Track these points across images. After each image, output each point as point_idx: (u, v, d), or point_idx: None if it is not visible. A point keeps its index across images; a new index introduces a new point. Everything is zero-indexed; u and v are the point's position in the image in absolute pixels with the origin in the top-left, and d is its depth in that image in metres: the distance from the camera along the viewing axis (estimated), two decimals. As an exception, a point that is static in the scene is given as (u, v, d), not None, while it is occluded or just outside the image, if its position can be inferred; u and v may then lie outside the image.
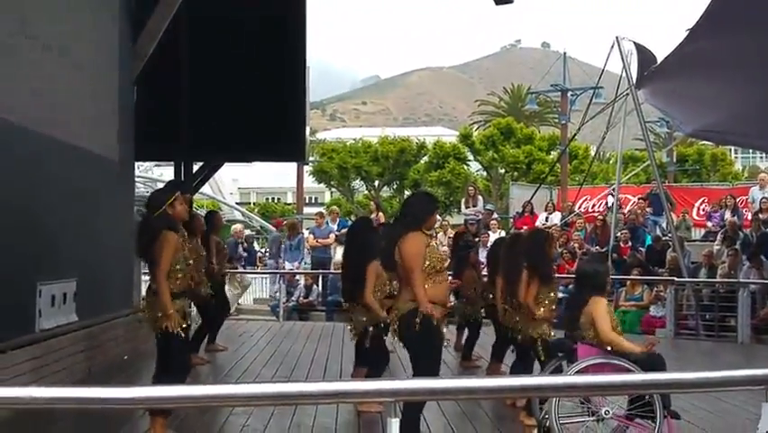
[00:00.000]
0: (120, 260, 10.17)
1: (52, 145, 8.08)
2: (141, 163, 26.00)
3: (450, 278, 9.56)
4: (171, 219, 6.32)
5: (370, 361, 7.63)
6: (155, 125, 11.29)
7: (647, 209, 18.53)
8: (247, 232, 23.13)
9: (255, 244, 20.06)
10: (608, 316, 5.93)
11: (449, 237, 16.96)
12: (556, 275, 9.10)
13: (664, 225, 17.50)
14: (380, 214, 18.08)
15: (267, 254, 20.65)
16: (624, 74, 16.11)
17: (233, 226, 24.45)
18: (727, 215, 17.03)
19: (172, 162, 13.36)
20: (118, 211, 10.30)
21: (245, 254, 19.28)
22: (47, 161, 7.97)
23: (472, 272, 10.36)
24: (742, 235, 15.84)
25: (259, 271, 19.58)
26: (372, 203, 20.37)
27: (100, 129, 9.54)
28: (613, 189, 18.63)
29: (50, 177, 8.05)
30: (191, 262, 6.58)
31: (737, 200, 18.07)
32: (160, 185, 19.35)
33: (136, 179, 13.80)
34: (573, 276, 7.64)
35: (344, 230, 14.13)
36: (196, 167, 13.29)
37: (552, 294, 7.43)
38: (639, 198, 19.64)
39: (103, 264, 9.42)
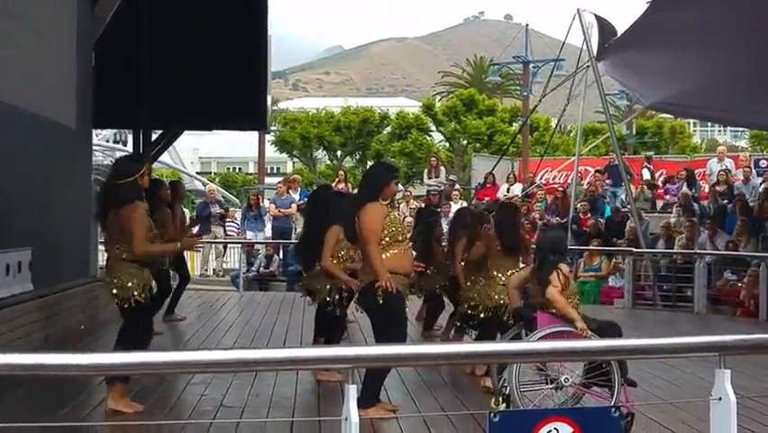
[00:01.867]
0: (77, 229, 10.02)
1: (6, 111, 7.89)
2: (99, 132, 25.63)
3: (413, 253, 9.59)
4: (140, 190, 6.32)
5: (328, 329, 7.61)
6: (114, 92, 11.07)
7: (606, 181, 18.71)
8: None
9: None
10: (558, 280, 5.92)
11: (411, 208, 17.00)
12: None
13: (623, 196, 17.68)
14: (348, 184, 18.02)
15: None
16: (584, 46, 16.15)
17: (207, 187, 24.24)
18: (684, 187, 17.21)
19: (130, 130, 13.17)
20: (75, 179, 10.13)
21: (220, 212, 19.13)
22: (1, 128, 7.79)
23: (438, 247, 10.36)
24: (698, 207, 16.05)
25: (219, 240, 19.43)
26: (340, 172, 20.26)
27: (56, 95, 9.33)
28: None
29: (4, 144, 7.87)
30: (157, 232, 6.59)
31: (696, 172, 18.29)
32: (119, 154, 19.07)
33: (94, 148, 13.56)
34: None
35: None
36: (155, 135, 13.10)
37: (518, 264, 7.48)
38: (596, 171, 19.76)
39: (59, 233, 9.27)
